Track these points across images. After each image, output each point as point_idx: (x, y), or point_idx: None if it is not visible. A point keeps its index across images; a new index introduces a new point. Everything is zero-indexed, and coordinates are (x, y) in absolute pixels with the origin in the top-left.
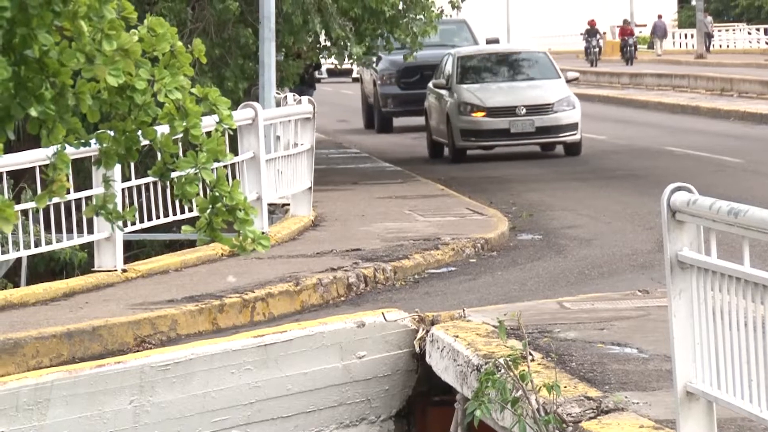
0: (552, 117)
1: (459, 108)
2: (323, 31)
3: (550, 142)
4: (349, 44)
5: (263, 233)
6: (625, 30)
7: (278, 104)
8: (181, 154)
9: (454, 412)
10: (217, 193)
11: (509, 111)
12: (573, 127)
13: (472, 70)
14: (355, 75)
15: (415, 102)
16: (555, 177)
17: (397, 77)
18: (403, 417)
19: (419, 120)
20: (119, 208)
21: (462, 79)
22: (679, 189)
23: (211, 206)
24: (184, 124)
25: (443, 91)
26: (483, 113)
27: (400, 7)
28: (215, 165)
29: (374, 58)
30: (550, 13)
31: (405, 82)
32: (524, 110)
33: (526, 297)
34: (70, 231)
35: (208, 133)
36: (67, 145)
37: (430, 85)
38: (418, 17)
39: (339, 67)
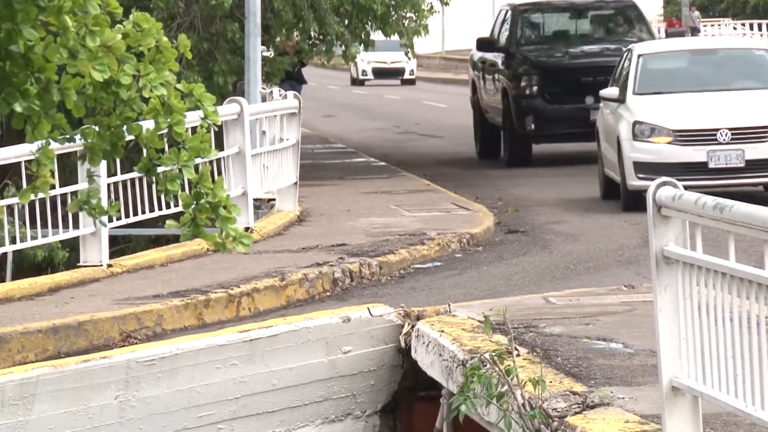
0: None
1: (633, 130)
2: (318, 28)
3: (764, 183)
4: (344, 42)
5: (248, 228)
6: None
7: (264, 99)
8: (166, 149)
9: (439, 407)
10: (200, 190)
11: (707, 136)
12: None
13: (657, 74)
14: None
15: (569, 121)
16: (542, 172)
17: (540, 84)
18: (388, 412)
19: (576, 148)
20: (104, 203)
21: (641, 87)
22: (664, 184)
23: (194, 202)
24: (168, 120)
25: (615, 104)
26: (668, 139)
27: (392, 2)
28: (199, 161)
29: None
30: None
31: (552, 91)
32: (729, 135)
33: (512, 292)
34: (55, 226)
35: (195, 128)
36: (52, 141)
37: (603, 93)
38: (408, 14)
39: (388, 65)
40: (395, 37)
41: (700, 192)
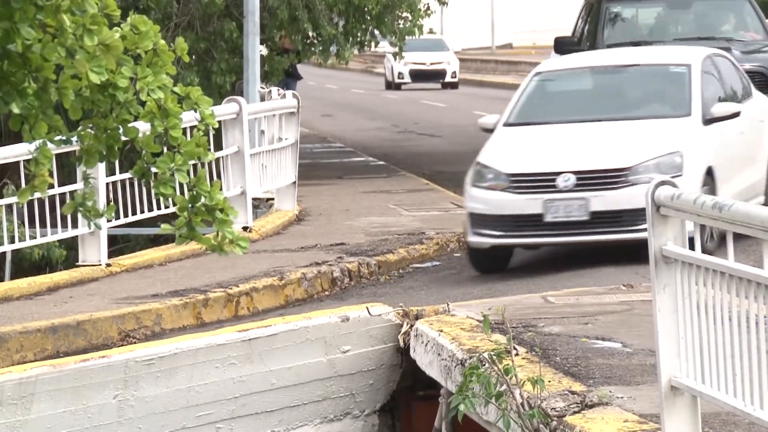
0: (620, 194)
1: (473, 173)
2: (312, 29)
3: (612, 241)
4: (338, 43)
5: (247, 228)
6: None
7: (263, 98)
8: (164, 151)
9: (438, 406)
10: (196, 193)
11: (545, 182)
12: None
13: (544, 99)
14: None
15: None
16: None
17: None
18: (387, 411)
19: None
20: (103, 203)
21: (518, 115)
22: (663, 183)
23: (190, 205)
24: (165, 124)
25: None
26: (503, 185)
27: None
28: (195, 162)
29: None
30: (538, 6)
31: None
32: (572, 180)
33: (511, 291)
34: (54, 225)
35: (193, 128)
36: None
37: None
38: (404, 14)
39: (427, 66)
40: (437, 35)
41: (537, 248)
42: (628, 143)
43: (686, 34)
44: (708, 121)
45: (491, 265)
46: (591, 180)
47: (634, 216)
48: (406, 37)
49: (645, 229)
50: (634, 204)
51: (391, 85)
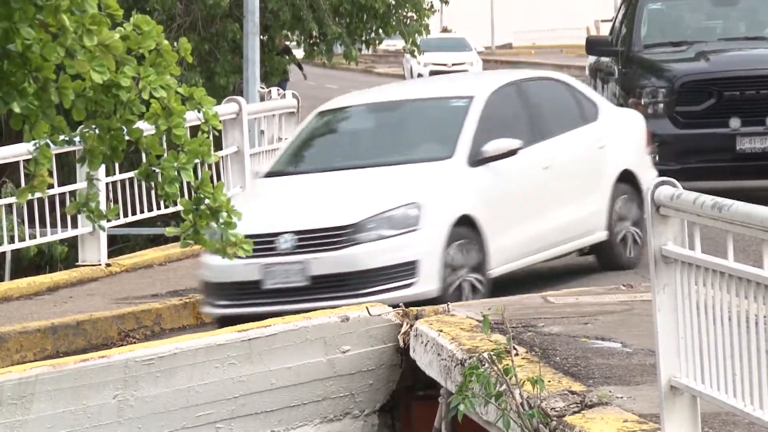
0: (343, 255)
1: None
2: (317, 28)
3: (336, 307)
4: (344, 43)
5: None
6: None
7: (262, 98)
8: (166, 152)
9: (438, 406)
10: (201, 195)
11: (265, 244)
12: (398, 272)
13: (316, 142)
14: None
15: (706, 153)
16: None
17: (669, 101)
18: (387, 411)
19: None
20: (103, 204)
21: (286, 163)
22: (663, 183)
23: (194, 208)
24: (168, 122)
25: None
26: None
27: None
28: (199, 162)
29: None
30: (538, 6)
31: (685, 111)
32: (292, 241)
33: (510, 291)
34: (54, 225)
35: (195, 128)
36: (50, 141)
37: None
38: (409, 14)
39: (449, 67)
40: (458, 34)
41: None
42: (361, 196)
43: (731, 33)
44: (477, 162)
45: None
46: (311, 240)
47: (362, 279)
48: (425, 36)
49: (375, 292)
50: (360, 266)
51: None
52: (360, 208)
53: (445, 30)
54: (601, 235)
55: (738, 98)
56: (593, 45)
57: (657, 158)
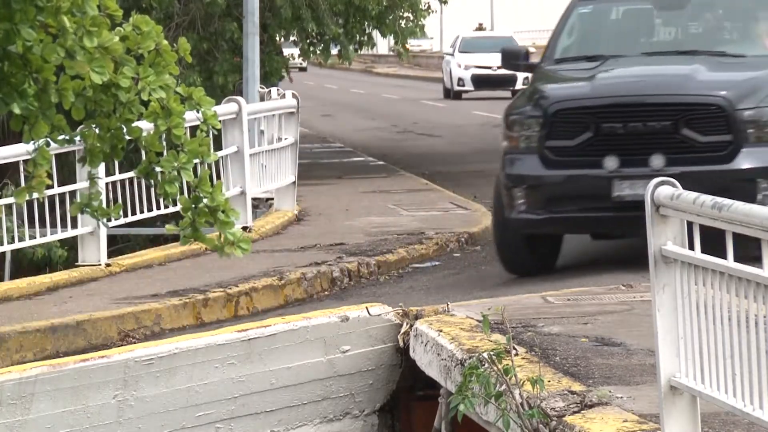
0: None
1: None
2: (315, 28)
3: None
4: (340, 43)
5: (247, 228)
6: None
7: (262, 98)
8: (165, 152)
9: (438, 406)
10: (199, 194)
11: None
12: None
13: None
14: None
15: (583, 199)
16: None
17: (543, 133)
18: (387, 411)
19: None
20: (103, 204)
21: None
22: (662, 183)
23: (193, 206)
24: (168, 122)
25: None
26: None
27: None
28: (198, 161)
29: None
30: (538, 6)
31: (561, 146)
32: None
33: (510, 291)
34: (54, 225)
35: (194, 128)
36: (51, 141)
37: None
38: (405, 14)
39: (494, 71)
40: (502, 32)
41: None
42: None
43: (666, 45)
44: None
45: None
46: None
47: None
48: (467, 36)
49: None
50: None
51: (450, 93)
52: None
53: (480, 28)
54: None
55: (619, 131)
56: (508, 58)
57: (524, 206)
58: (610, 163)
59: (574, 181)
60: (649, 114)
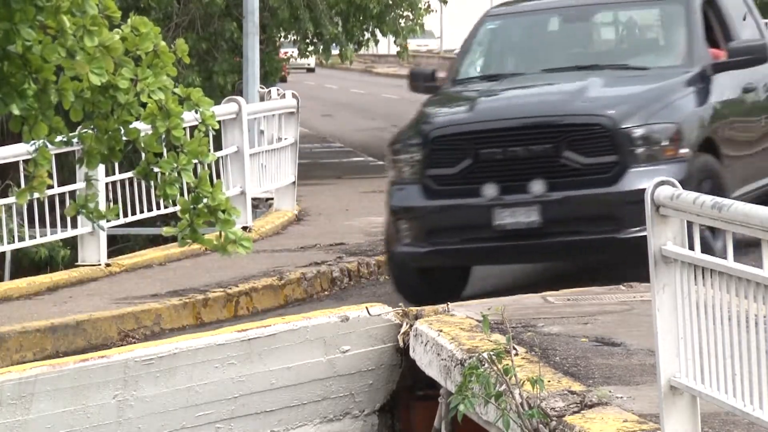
0: None
1: None
2: (313, 28)
3: None
4: (339, 43)
5: (246, 228)
6: None
7: (262, 98)
8: (164, 153)
9: (438, 406)
10: (199, 194)
11: None
12: None
13: None
14: None
15: (464, 230)
16: None
17: (427, 161)
18: (387, 411)
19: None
20: (103, 204)
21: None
22: (662, 183)
23: (192, 206)
24: (167, 124)
25: None
26: None
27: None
28: (196, 162)
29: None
30: None
31: (439, 175)
32: None
33: (510, 291)
34: (54, 225)
35: (193, 129)
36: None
37: None
38: (405, 14)
39: None
40: None
41: None
42: None
43: (563, 61)
44: None
45: None
46: None
47: None
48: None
49: None
50: None
51: None
52: None
53: None
54: None
55: (498, 157)
56: (416, 79)
57: (408, 239)
58: (490, 190)
59: (455, 211)
60: (529, 137)
